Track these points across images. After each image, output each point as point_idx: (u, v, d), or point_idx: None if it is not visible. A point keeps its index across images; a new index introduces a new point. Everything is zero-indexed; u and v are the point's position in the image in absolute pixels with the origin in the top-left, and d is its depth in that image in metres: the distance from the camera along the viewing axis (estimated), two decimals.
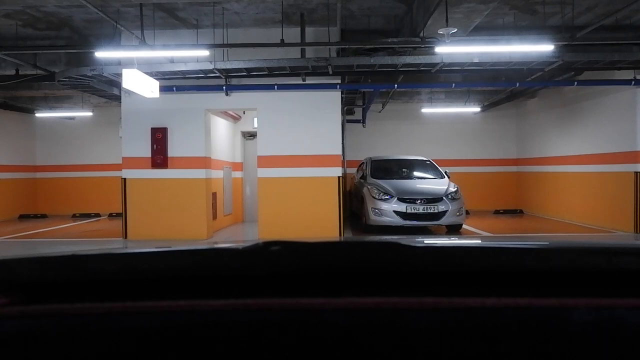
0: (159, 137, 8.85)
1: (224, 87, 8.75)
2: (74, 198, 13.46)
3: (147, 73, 7.52)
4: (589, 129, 10.23)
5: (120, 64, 7.99)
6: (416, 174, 10.29)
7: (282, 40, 7.34)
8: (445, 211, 8.69)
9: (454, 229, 9.24)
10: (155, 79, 7.79)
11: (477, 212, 12.50)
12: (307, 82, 8.74)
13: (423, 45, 7.18)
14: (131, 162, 8.96)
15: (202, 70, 8.03)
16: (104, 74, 7.98)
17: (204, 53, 7.41)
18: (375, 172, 9.98)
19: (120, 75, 7.32)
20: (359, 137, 13.34)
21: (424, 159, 10.80)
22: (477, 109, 12.98)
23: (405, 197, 8.80)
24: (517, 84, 9.80)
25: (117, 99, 9.33)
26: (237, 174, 11.69)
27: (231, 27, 8.31)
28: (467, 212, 10.17)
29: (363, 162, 11.18)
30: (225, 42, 7.87)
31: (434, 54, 7.33)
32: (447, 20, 6.17)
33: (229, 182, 11.05)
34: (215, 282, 0.68)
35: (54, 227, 11.07)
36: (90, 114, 12.76)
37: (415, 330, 0.59)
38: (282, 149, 8.79)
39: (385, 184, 9.28)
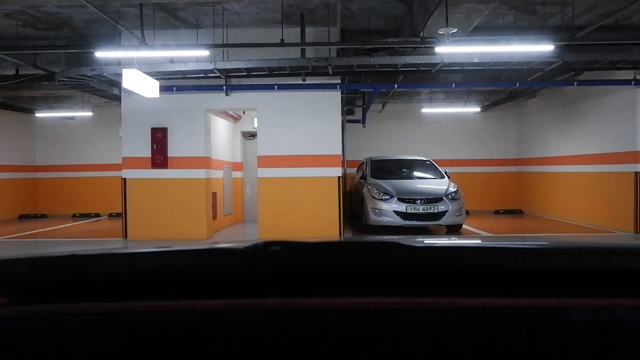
0: (159, 137, 8.85)
1: (224, 87, 8.75)
2: (74, 198, 13.45)
3: (147, 73, 7.52)
4: (589, 129, 10.23)
5: (120, 64, 7.99)
6: (416, 174, 10.29)
7: (282, 40, 7.34)
8: (445, 211, 8.69)
9: (454, 229, 9.24)
10: (155, 79, 7.79)
11: (477, 212, 12.50)
12: (307, 82, 8.74)
13: (423, 45, 7.17)
14: (131, 162, 8.96)
15: (202, 70, 8.03)
16: (104, 74, 7.98)
17: (204, 53, 7.41)
18: (375, 172, 9.98)
19: (120, 75, 7.32)
20: (359, 137, 13.34)
21: (424, 159, 10.80)
22: (477, 109, 12.98)
23: (405, 197, 8.80)
24: (517, 84, 9.80)
25: (117, 99, 9.33)
26: (237, 174, 11.70)
27: (231, 27, 8.30)
28: (467, 212, 10.16)
29: (363, 162, 11.18)
30: (225, 42, 7.86)
31: (434, 54, 7.33)
32: (447, 20, 6.17)
33: (229, 182, 11.05)
34: (215, 282, 0.68)
35: (54, 227, 11.07)
36: (90, 114, 12.76)
37: (415, 330, 0.59)
38: (282, 149, 8.79)
39: (385, 184, 9.28)
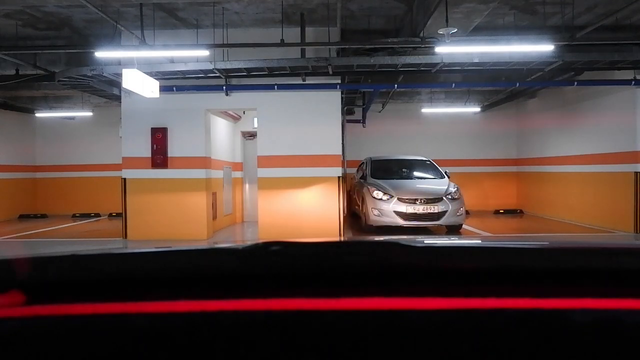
0: (159, 137, 8.85)
1: (224, 87, 8.75)
2: (74, 198, 13.45)
3: (147, 73, 7.52)
4: (589, 129, 10.23)
5: (120, 64, 7.99)
6: (416, 174, 10.29)
7: (282, 40, 7.34)
8: (445, 211, 8.69)
9: (454, 229, 9.23)
10: (155, 79, 7.79)
11: (477, 212, 12.49)
12: (307, 82, 8.74)
13: (423, 45, 7.17)
14: (131, 162, 8.95)
15: (202, 70, 8.03)
16: (104, 74, 7.98)
17: (204, 53, 7.41)
18: (375, 172, 9.98)
19: (120, 75, 7.32)
20: (359, 137, 13.34)
21: (424, 159, 10.80)
22: (477, 109, 12.98)
23: (405, 197, 8.80)
24: (517, 84, 9.80)
25: (117, 99, 9.33)
26: (237, 174, 11.69)
27: (231, 27, 8.31)
28: (467, 212, 10.16)
29: (363, 162, 11.18)
30: (225, 42, 7.86)
31: (434, 54, 7.33)
32: (447, 20, 6.17)
33: (229, 182, 11.05)
34: (215, 282, 0.68)
35: (54, 227, 11.07)
36: (90, 114, 12.76)
37: (415, 330, 0.59)
38: (282, 149, 8.79)
39: (385, 184, 9.28)
